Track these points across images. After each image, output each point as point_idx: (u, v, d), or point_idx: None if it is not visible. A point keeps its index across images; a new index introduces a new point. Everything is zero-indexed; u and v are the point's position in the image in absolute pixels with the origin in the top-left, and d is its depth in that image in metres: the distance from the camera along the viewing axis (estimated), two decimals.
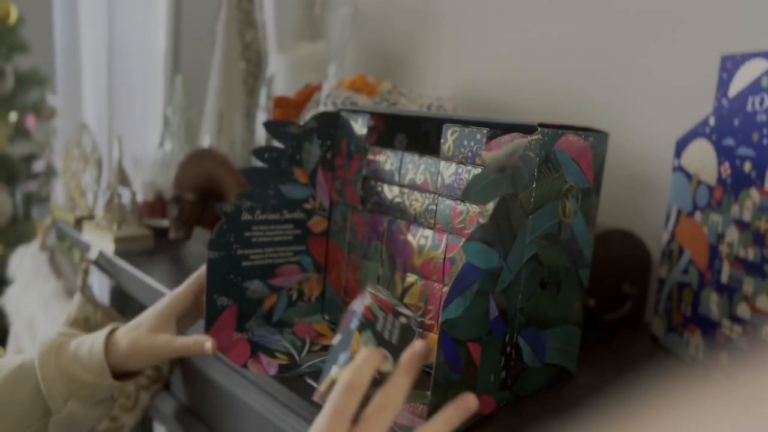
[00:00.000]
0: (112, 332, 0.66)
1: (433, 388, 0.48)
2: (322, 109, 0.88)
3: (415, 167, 0.63)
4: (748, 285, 0.59)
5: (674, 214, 0.72)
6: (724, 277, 0.62)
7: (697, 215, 0.67)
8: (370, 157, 0.67)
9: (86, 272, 0.96)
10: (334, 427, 0.43)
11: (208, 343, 0.62)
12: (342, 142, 0.70)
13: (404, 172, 0.64)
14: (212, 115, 1.26)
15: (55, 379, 0.63)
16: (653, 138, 0.82)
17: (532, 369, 0.58)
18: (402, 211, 0.64)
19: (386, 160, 0.65)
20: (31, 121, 2.18)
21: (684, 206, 0.70)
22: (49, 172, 2.26)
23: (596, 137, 0.59)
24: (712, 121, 0.66)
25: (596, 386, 0.62)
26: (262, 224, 0.67)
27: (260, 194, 0.66)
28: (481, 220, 0.56)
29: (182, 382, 0.93)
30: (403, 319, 0.48)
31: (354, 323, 0.47)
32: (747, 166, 0.60)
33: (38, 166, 2.27)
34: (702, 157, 0.67)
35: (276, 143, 0.68)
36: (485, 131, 0.57)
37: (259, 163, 0.67)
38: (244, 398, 0.74)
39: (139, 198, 1.09)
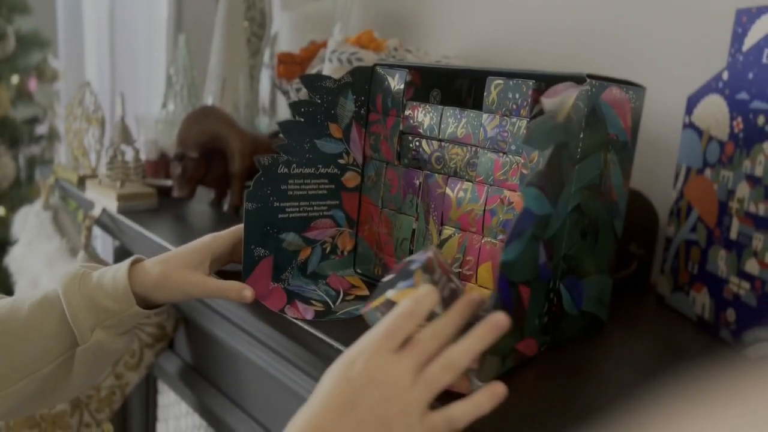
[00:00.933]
0: (135, 262, 0.65)
1: None
2: (327, 65, 0.87)
3: (456, 121, 0.63)
4: (758, 240, 0.58)
5: (683, 172, 0.71)
6: (733, 234, 0.62)
7: (707, 172, 0.66)
8: (408, 112, 0.67)
9: (89, 229, 0.96)
10: (384, 343, 0.44)
11: (248, 292, 0.63)
12: (377, 98, 0.69)
13: (444, 126, 0.64)
14: (215, 75, 1.24)
15: (81, 307, 0.61)
16: (662, 96, 0.81)
17: (570, 316, 0.60)
18: (441, 165, 0.65)
19: (425, 114, 0.66)
20: (33, 84, 2.16)
21: (694, 163, 0.69)
22: (52, 136, 2.25)
23: (636, 91, 0.59)
24: (725, 76, 0.64)
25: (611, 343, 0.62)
26: (298, 178, 0.68)
27: (297, 148, 0.67)
28: (525, 171, 0.57)
29: (186, 340, 0.94)
30: (453, 285, 0.50)
31: (416, 265, 0.49)
32: (761, 120, 0.59)
33: (41, 129, 2.25)
34: (714, 113, 0.66)
35: (303, 98, 0.67)
36: (531, 83, 0.57)
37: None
38: (247, 355, 0.74)
39: (143, 157, 1.08)
